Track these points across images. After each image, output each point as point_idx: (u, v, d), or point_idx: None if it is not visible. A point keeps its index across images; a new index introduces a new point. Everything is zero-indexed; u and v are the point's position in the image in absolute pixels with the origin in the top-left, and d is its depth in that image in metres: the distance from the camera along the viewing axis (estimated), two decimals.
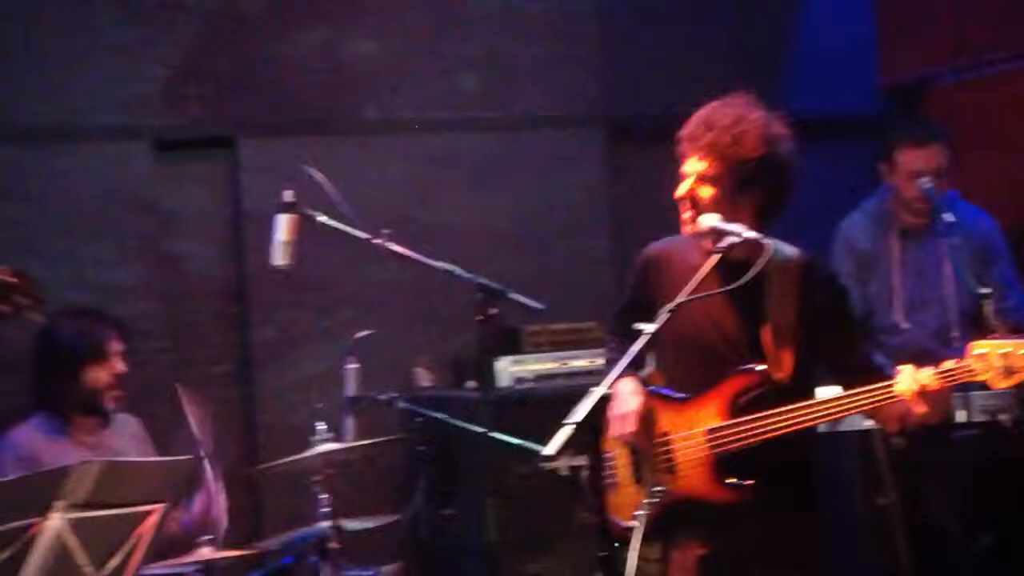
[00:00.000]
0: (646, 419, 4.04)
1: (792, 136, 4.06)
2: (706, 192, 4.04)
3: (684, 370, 4.12)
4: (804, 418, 3.90)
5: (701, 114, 4.10)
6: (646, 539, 3.88)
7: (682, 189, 4.08)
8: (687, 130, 4.10)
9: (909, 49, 6.96)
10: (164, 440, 5.38)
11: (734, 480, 3.94)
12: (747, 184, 4.00)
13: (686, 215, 4.09)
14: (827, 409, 3.91)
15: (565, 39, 6.63)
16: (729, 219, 4.00)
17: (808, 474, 4.09)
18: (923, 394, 3.79)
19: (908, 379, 3.80)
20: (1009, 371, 3.72)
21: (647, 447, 4.07)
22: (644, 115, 6.72)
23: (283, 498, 5.66)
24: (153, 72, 6.08)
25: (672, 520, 4.01)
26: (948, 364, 3.79)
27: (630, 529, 3.91)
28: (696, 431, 4.00)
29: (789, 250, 4.06)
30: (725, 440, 3.96)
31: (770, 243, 3.94)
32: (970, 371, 3.77)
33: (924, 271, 5.78)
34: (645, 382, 4.13)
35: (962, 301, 5.61)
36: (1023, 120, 6.37)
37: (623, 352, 3.90)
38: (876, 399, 3.86)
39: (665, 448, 4.05)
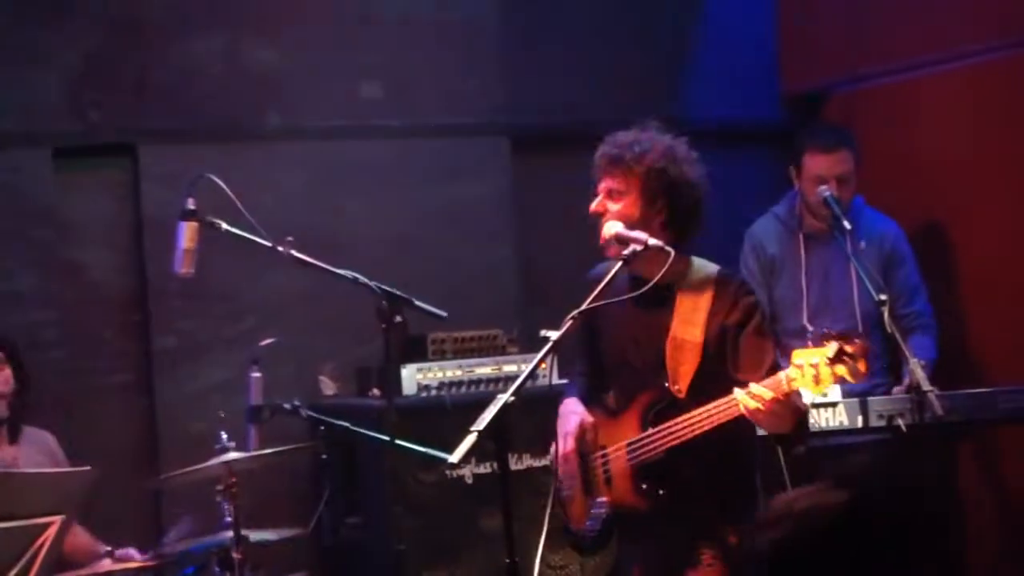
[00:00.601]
0: (586, 436, 4.23)
1: (697, 160, 4.21)
2: (615, 207, 4.17)
3: (617, 386, 4.32)
4: (678, 432, 4.06)
5: (609, 138, 4.24)
6: (601, 547, 4.22)
7: (593, 205, 4.22)
8: (597, 153, 4.24)
9: (809, 58, 7.05)
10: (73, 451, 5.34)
11: (645, 487, 4.10)
12: (653, 197, 4.14)
13: (602, 240, 4.21)
14: (688, 425, 4.05)
15: (468, 47, 6.64)
16: (640, 230, 4.11)
17: (736, 480, 4.19)
18: (761, 409, 3.90)
19: (744, 397, 3.92)
20: (816, 379, 3.86)
21: (588, 461, 4.26)
22: (548, 124, 6.75)
23: (186, 508, 5.60)
24: (53, 79, 5.99)
25: (620, 528, 4.22)
26: (777, 376, 3.94)
27: (582, 537, 4.25)
28: (620, 444, 4.19)
29: (707, 268, 4.18)
30: (640, 452, 4.15)
31: (671, 250, 4.03)
32: (791, 380, 3.90)
33: (830, 275, 5.85)
34: (597, 400, 4.34)
35: (866, 305, 5.69)
36: (919, 128, 6.47)
37: (575, 374, 4.34)
38: (719, 416, 4.00)
39: (604, 461, 4.23)
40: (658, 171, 4.13)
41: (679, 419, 4.07)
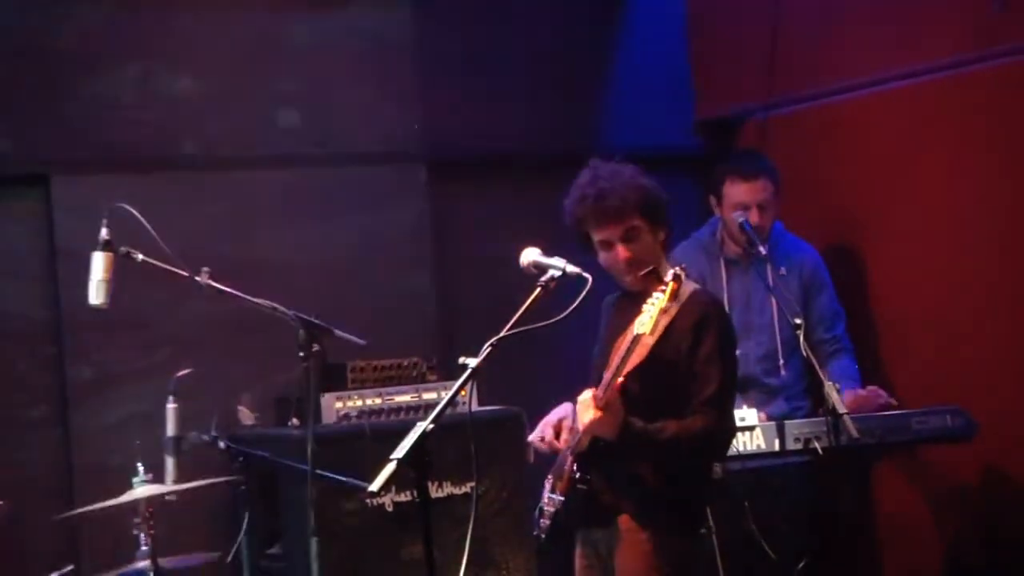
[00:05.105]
0: (563, 431, 4.39)
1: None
2: (635, 247, 4.27)
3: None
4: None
5: (588, 187, 4.30)
6: (552, 544, 4.34)
7: (621, 254, 4.28)
8: (587, 205, 4.28)
9: (723, 85, 7.12)
10: None
11: (578, 475, 4.20)
12: (657, 222, 4.30)
13: (627, 277, 4.31)
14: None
15: (386, 75, 6.63)
16: (656, 261, 4.26)
17: (663, 482, 4.23)
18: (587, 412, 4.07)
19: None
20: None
21: (560, 456, 4.37)
22: (464, 151, 6.76)
23: (102, 542, 5.55)
24: None
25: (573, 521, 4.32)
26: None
27: (537, 535, 4.36)
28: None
29: (685, 283, 4.20)
30: (577, 443, 4.26)
31: (588, 276, 4.07)
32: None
33: (751, 300, 5.92)
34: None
35: (786, 330, 5.76)
36: (833, 154, 6.55)
37: None
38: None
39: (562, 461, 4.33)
40: (651, 199, 4.28)
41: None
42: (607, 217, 4.26)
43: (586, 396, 4.09)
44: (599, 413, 4.04)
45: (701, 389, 4.17)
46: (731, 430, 4.42)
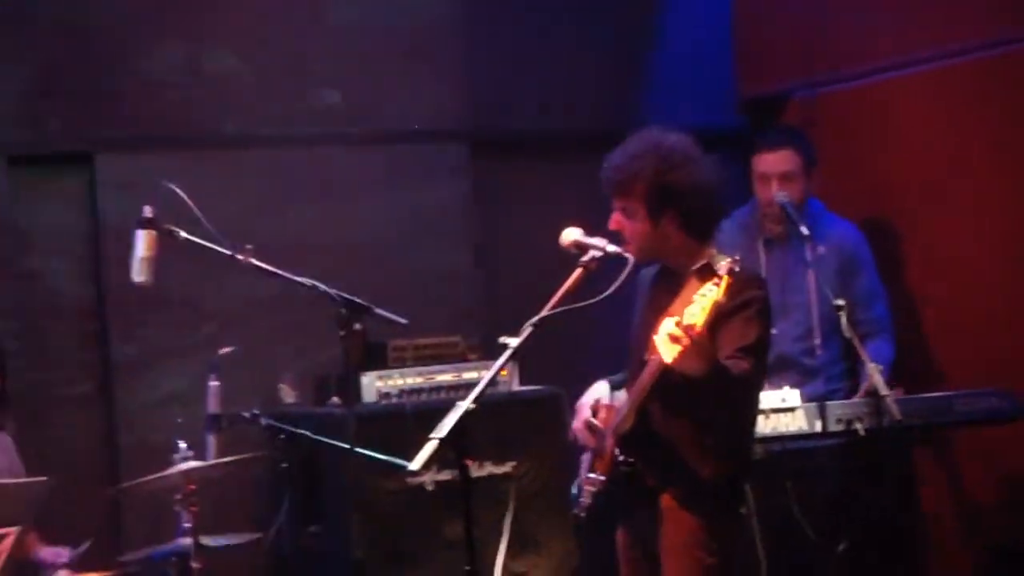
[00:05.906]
0: (599, 413, 4.32)
1: (699, 158, 4.26)
2: (628, 225, 4.22)
3: (631, 369, 4.33)
4: (632, 397, 4.15)
5: (608, 159, 4.28)
6: (592, 527, 4.28)
7: (611, 223, 4.25)
8: (604, 171, 4.27)
9: (767, 63, 7.07)
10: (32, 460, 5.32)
11: (620, 458, 4.14)
12: (659, 210, 4.18)
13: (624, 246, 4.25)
14: (637, 388, 4.11)
15: (428, 54, 6.63)
16: (657, 242, 4.19)
17: (721, 485, 4.19)
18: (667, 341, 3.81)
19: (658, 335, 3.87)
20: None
21: (595, 441, 4.30)
22: (507, 130, 6.75)
23: (145, 517, 5.58)
24: (8, 87, 5.96)
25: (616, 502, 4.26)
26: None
27: (577, 516, 4.29)
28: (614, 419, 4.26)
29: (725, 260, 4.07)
30: (619, 424, 4.20)
31: (630, 255, 4.04)
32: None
33: (788, 279, 5.86)
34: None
35: (823, 309, 5.71)
36: (878, 132, 6.50)
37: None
38: (653, 370, 4.00)
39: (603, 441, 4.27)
40: (657, 187, 4.15)
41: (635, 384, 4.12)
42: (606, 187, 4.25)
43: (668, 327, 3.79)
44: (688, 344, 3.77)
45: (739, 339, 4.07)
46: (759, 386, 4.29)
